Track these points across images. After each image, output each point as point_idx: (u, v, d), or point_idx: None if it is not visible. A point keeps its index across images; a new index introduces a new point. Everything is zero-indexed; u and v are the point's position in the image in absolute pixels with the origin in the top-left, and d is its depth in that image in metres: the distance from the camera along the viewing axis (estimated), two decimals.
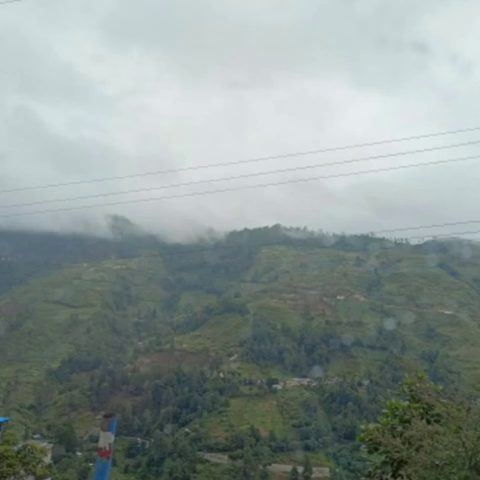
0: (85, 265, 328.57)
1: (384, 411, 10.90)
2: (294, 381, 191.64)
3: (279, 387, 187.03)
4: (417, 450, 8.66)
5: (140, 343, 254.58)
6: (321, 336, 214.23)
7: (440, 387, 11.04)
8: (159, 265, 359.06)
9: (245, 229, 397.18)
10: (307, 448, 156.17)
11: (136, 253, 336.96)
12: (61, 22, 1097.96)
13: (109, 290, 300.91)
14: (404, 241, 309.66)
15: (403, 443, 9.04)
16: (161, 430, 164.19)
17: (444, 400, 10.01)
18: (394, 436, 9.46)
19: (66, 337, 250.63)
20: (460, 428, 8.40)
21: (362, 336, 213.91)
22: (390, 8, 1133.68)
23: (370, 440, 9.84)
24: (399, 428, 10.05)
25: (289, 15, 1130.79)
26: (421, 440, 8.66)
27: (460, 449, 7.98)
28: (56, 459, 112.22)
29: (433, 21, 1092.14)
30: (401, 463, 9.06)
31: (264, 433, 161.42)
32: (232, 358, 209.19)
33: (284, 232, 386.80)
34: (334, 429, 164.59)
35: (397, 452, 8.98)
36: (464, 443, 7.98)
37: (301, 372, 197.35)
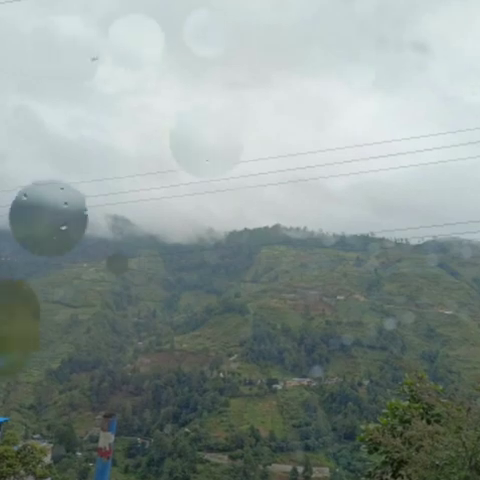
0: (85, 265, 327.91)
1: (384, 411, 10.91)
2: (294, 381, 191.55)
3: (279, 387, 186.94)
4: (417, 450, 8.66)
5: (140, 343, 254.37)
6: (321, 336, 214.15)
7: (440, 387, 11.06)
8: (159, 265, 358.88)
9: (245, 229, 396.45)
10: (307, 448, 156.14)
11: (136, 253, 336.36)
12: (61, 22, 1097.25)
13: (109, 290, 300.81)
14: (404, 241, 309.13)
15: (403, 443, 9.04)
16: (161, 430, 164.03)
17: (444, 400, 10.01)
18: (394, 436, 9.47)
19: (66, 337, 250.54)
20: (460, 428, 8.40)
21: (362, 336, 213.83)
22: (390, 8, 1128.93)
23: (370, 440, 9.85)
24: (399, 428, 10.06)
25: (289, 15, 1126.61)
26: (421, 440, 8.66)
27: (460, 449, 7.98)
28: (56, 459, 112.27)
29: (433, 21, 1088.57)
30: (401, 463, 9.06)
31: (264, 433, 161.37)
32: (232, 358, 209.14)
33: (284, 232, 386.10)
34: (334, 429, 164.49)
35: (397, 452, 8.98)
36: (464, 443, 7.98)
37: (301, 372, 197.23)
